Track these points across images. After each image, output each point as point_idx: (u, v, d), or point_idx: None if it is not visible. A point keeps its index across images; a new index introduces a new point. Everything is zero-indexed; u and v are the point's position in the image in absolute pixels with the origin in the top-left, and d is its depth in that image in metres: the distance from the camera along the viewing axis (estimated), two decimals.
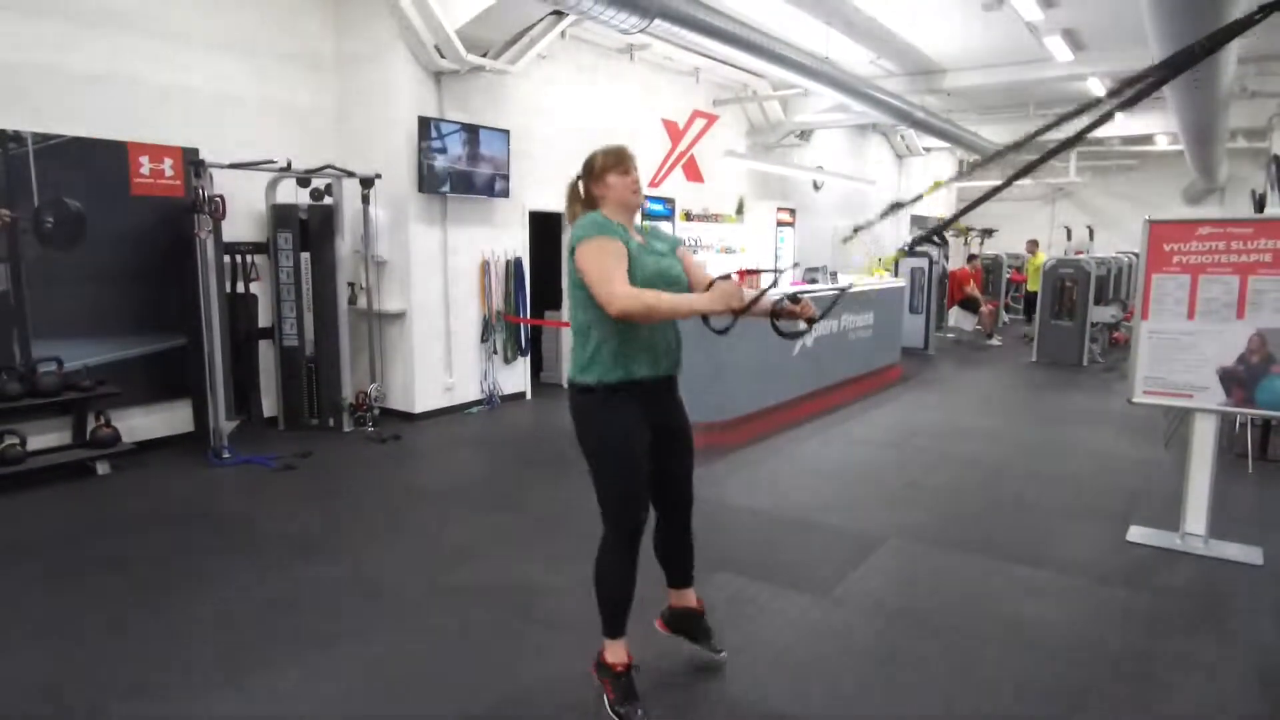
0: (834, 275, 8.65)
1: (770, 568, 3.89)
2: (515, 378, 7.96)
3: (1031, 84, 10.57)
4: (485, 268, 7.48)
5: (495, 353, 7.62)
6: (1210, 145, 11.07)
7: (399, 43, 6.56)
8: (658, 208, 8.60)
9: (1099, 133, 14.44)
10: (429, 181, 6.71)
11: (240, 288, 6.30)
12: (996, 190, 2.17)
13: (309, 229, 6.43)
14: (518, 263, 7.75)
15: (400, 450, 6.15)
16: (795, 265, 8.86)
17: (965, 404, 8.20)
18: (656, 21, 5.33)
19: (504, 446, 6.44)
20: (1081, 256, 11.86)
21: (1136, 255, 15.06)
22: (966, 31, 8.42)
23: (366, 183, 6.39)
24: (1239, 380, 4.02)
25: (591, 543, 2.68)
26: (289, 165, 5.95)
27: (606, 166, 2.63)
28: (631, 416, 2.56)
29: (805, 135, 12.07)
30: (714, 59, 9.50)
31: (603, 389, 2.52)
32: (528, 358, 7.98)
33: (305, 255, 6.47)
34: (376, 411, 6.60)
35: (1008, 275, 17.37)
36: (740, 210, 10.90)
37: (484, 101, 7.29)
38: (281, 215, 6.40)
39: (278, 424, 6.64)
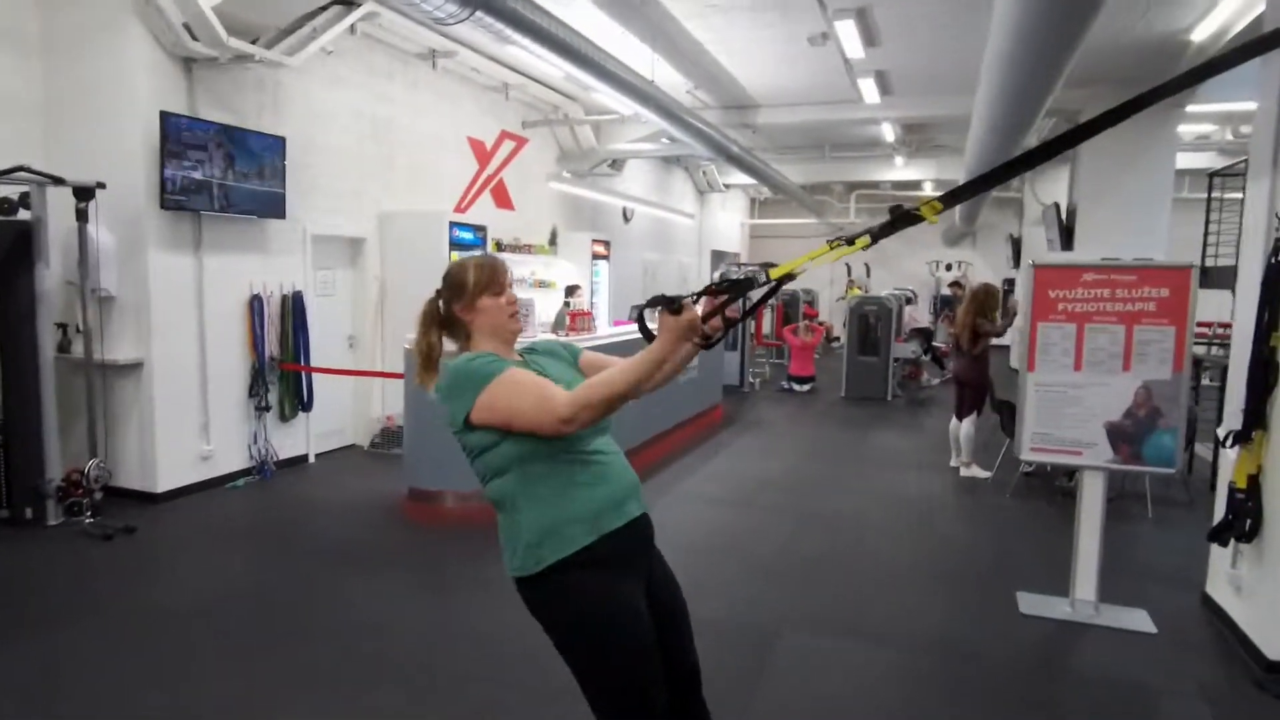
0: None
1: None
2: (295, 439, 6.51)
3: (836, 124, 10.79)
4: (254, 304, 6.04)
5: (268, 409, 6.16)
6: (985, 193, 11.95)
7: (132, 18, 5.07)
8: (468, 235, 7.56)
9: (882, 176, 15.35)
10: (175, 196, 5.23)
11: None
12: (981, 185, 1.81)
13: None
14: (297, 298, 6.36)
15: (133, 549, 4.60)
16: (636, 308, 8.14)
17: (797, 448, 7.91)
18: (479, 14, 4.40)
19: (281, 532, 5.07)
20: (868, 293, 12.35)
21: (913, 292, 16.16)
22: (786, 67, 8.27)
23: (82, 193, 4.81)
24: (1126, 436, 3.80)
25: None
26: None
27: (480, 286, 1.93)
28: (620, 583, 1.83)
29: (617, 165, 11.56)
30: (525, 75, 8.70)
31: (567, 566, 1.78)
32: (310, 413, 6.56)
33: None
34: (98, 495, 4.96)
35: (803, 309, 18.09)
36: (554, 240, 10.09)
37: (253, 100, 5.91)
38: None
39: None
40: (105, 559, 4.43)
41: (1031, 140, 11.94)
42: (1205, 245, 7.17)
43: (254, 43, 5.46)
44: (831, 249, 1.82)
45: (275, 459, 6.22)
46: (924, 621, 3.83)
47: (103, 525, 4.80)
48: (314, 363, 6.49)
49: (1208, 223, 7.13)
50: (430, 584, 4.21)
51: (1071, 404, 3.87)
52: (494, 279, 1.94)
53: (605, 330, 6.67)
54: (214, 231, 5.68)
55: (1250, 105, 9.26)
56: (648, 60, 7.52)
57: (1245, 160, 6.61)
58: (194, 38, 5.15)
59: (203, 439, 5.73)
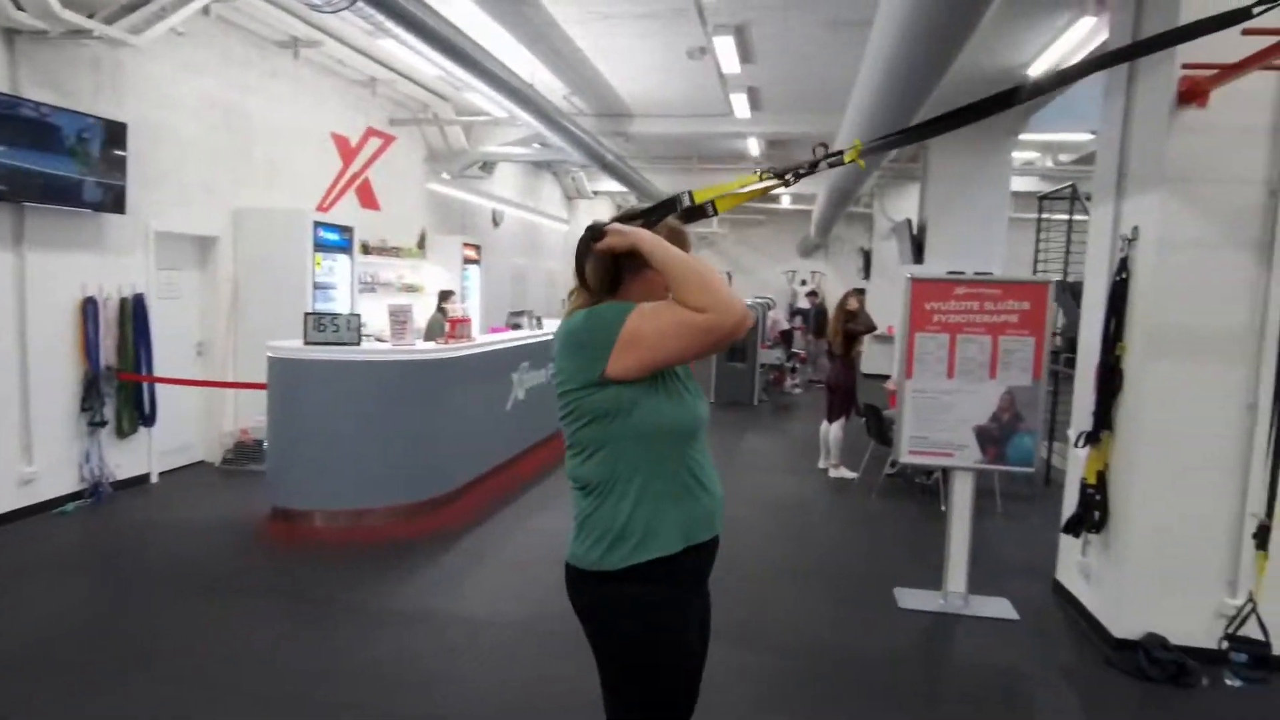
0: (538, 320, 7.94)
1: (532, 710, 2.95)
2: (135, 457, 5.88)
3: (706, 137, 11.06)
4: (88, 308, 5.41)
5: (103, 424, 5.53)
6: (842, 207, 12.62)
7: None
8: (333, 236, 7.12)
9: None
10: None
11: None
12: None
13: None
14: (138, 300, 5.76)
15: None
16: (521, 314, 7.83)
17: None
18: (359, 4, 4.15)
19: (122, 561, 4.56)
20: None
21: (772, 300, 16.79)
22: (663, 78, 8.38)
23: None
24: (992, 438, 4.09)
25: None
26: None
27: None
28: (688, 606, 1.72)
29: (488, 167, 11.30)
30: (394, 70, 8.33)
31: (643, 572, 1.63)
32: (152, 428, 5.95)
33: None
34: None
35: None
36: (422, 244, 9.72)
37: (88, 80, 5.30)
38: None
39: None
40: None
41: (885, 163, 12.79)
42: (1036, 261, 7.90)
43: (91, 17, 4.90)
44: (761, 179, 1.85)
45: (112, 479, 5.59)
46: (812, 622, 3.95)
47: None
48: (157, 372, 5.90)
49: (1038, 241, 7.85)
50: (299, 611, 3.90)
51: (945, 410, 4.12)
52: None
53: (483, 339, 6.46)
54: (40, 226, 5.05)
55: (1069, 136, 10.34)
56: (527, 63, 7.40)
57: (1071, 185, 7.36)
58: (19, 7, 4.55)
59: (23, 460, 5.06)
